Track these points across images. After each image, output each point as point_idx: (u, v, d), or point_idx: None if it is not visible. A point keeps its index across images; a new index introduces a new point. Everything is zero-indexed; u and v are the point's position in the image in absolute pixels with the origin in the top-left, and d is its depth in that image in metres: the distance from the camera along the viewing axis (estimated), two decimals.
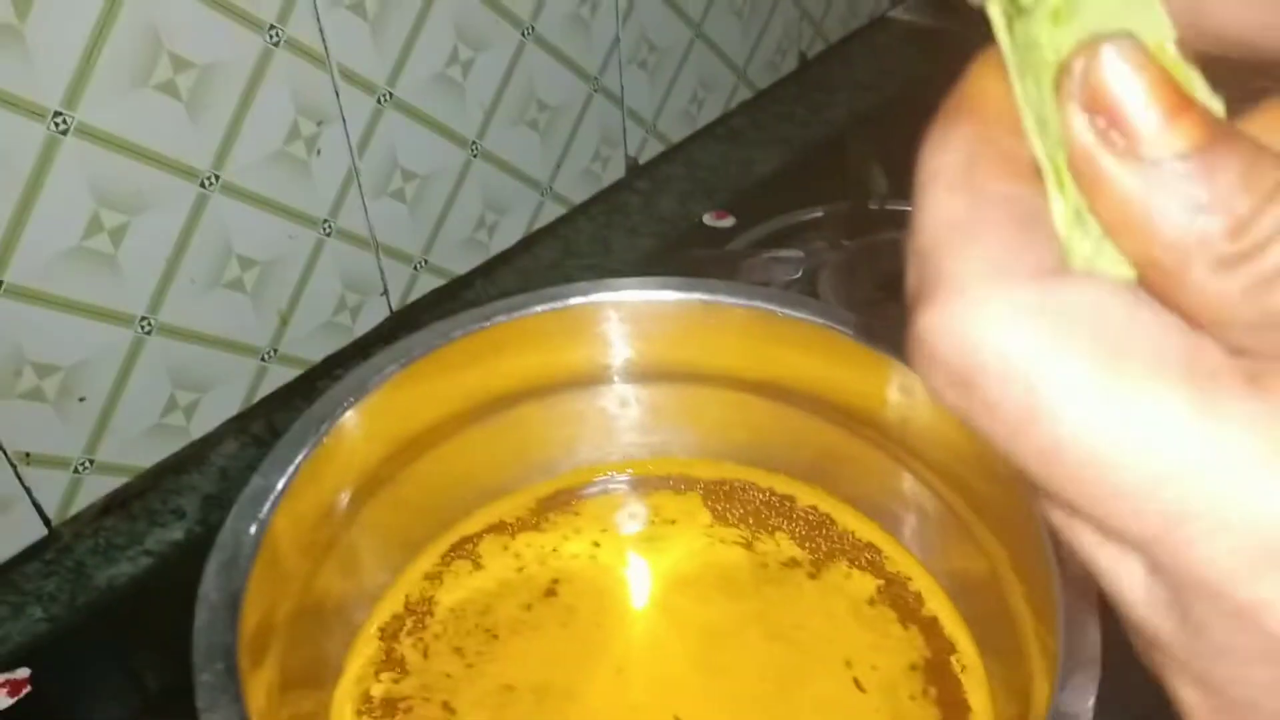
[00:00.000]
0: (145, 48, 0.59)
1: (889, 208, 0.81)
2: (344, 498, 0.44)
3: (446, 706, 0.45)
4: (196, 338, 0.69)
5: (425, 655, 0.47)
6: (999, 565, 0.44)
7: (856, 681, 0.46)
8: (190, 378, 0.70)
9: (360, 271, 0.76)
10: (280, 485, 0.39)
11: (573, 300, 0.46)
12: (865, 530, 0.52)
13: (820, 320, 0.46)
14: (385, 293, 0.79)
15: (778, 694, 0.46)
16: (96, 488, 0.68)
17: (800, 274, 0.75)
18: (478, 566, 0.51)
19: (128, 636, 0.61)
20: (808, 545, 0.51)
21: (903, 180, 0.70)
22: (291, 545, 0.40)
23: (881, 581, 0.50)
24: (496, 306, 0.46)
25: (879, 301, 0.73)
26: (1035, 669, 0.41)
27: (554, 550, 0.51)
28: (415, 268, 0.80)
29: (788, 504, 0.53)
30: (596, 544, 0.52)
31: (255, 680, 0.36)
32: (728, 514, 0.53)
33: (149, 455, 0.70)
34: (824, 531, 0.52)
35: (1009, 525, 0.43)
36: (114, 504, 0.69)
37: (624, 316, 0.47)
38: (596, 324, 0.48)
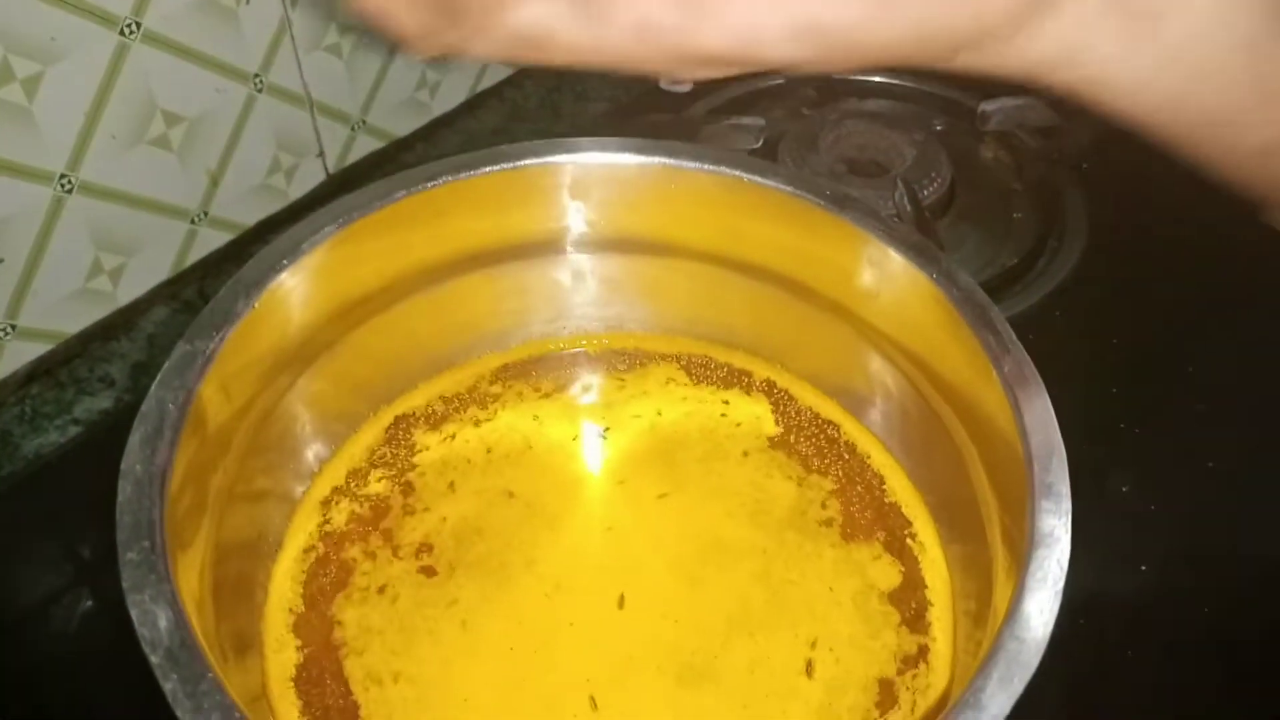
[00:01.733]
0: None
1: (853, 78, 0.78)
2: (278, 367, 0.41)
3: (384, 590, 0.44)
4: (120, 198, 0.65)
5: (365, 531, 0.46)
6: (964, 450, 0.43)
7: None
8: (115, 240, 0.66)
9: (295, 131, 0.72)
10: (208, 351, 0.36)
11: (525, 161, 0.43)
12: (827, 409, 0.50)
13: (790, 189, 0.43)
14: (321, 154, 0.75)
15: (720, 560, 0.45)
16: (19, 354, 0.65)
17: (761, 143, 0.72)
18: (422, 441, 0.49)
19: (57, 506, 0.59)
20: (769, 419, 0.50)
21: None
22: (221, 416, 0.38)
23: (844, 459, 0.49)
24: (442, 165, 0.42)
25: (841, 175, 0.71)
26: (997, 553, 0.40)
27: (503, 425, 0.49)
28: (353, 128, 0.76)
29: (746, 378, 0.52)
30: (538, 418, 0.50)
31: (186, 559, 0.34)
32: (684, 390, 0.51)
33: (74, 321, 0.67)
34: (782, 408, 0.51)
35: (976, 412, 0.41)
36: (39, 372, 0.66)
37: (580, 181, 0.44)
38: (550, 188, 0.45)
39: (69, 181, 0.63)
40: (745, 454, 0.49)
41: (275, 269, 0.39)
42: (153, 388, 0.35)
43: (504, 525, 0.46)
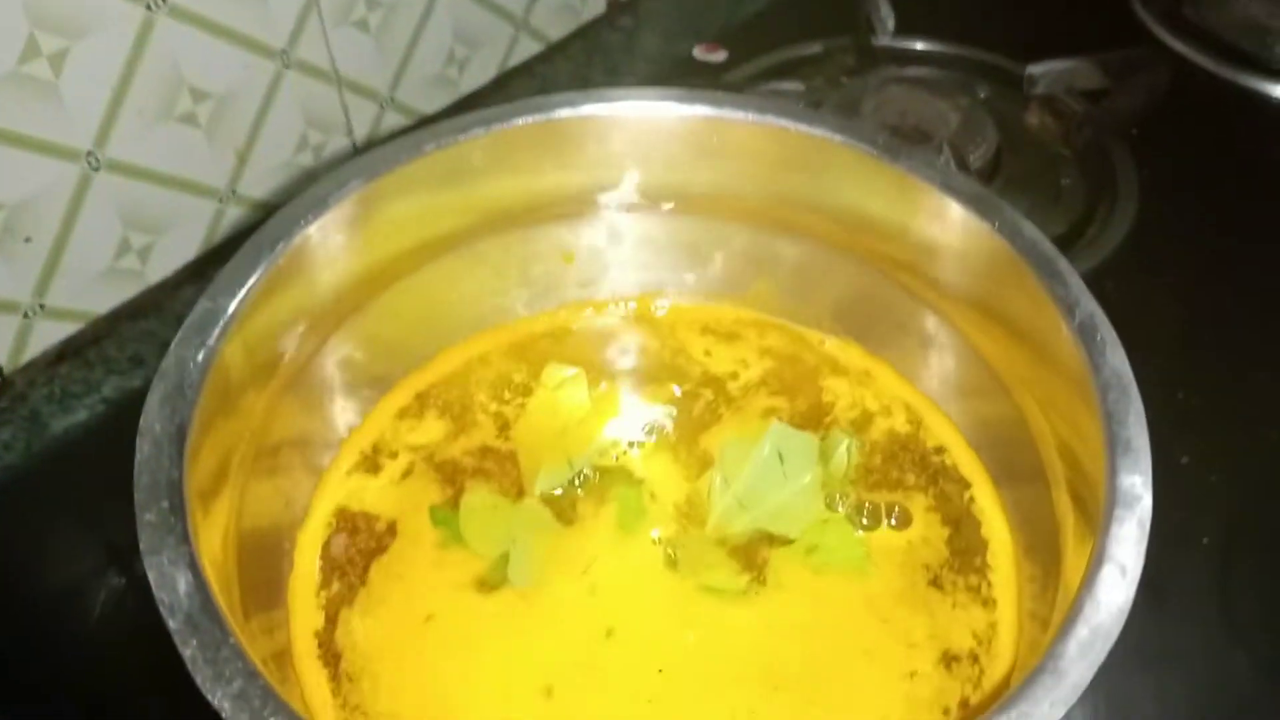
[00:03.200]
0: None
1: (894, 44, 0.76)
2: (304, 328, 0.39)
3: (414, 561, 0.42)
4: (148, 176, 0.64)
5: (397, 497, 0.44)
6: (1026, 410, 0.40)
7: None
8: (143, 219, 0.65)
9: (322, 107, 0.71)
10: (230, 309, 0.35)
11: (559, 113, 0.41)
12: (879, 370, 0.48)
13: (841, 138, 0.41)
14: (349, 131, 0.74)
15: None
16: (49, 334, 0.64)
17: None
18: (453, 407, 0.47)
19: (87, 486, 0.58)
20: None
21: (910, 14, 0.65)
22: (245, 377, 0.36)
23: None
24: (473, 118, 0.40)
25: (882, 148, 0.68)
26: (1066, 518, 0.37)
27: (537, 389, 0.47)
28: (381, 105, 0.74)
29: (797, 346, 0.49)
30: (576, 384, 0.48)
31: (208, 523, 0.32)
32: (723, 353, 0.49)
33: (103, 301, 0.66)
34: (830, 368, 0.48)
35: (1042, 368, 0.39)
36: (69, 351, 0.66)
37: (618, 134, 0.42)
38: (586, 142, 0.43)
39: (96, 159, 0.62)
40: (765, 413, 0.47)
41: (299, 224, 0.37)
42: (173, 345, 0.34)
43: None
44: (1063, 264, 0.38)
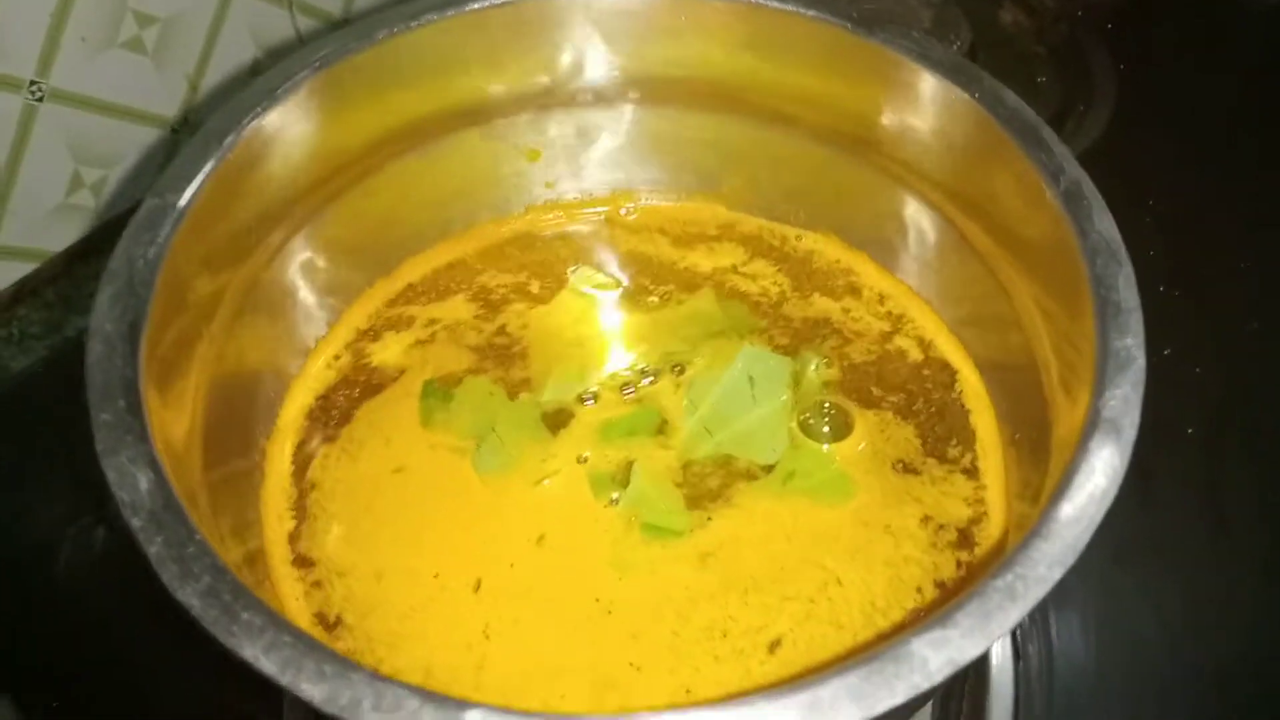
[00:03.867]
0: None
1: None
2: (261, 228, 0.37)
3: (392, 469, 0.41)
4: (96, 105, 0.62)
5: (363, 410, 0.42)
6: (1010, 287, 0.39)
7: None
8: (93, 152, 0.63)
9: (275, 31, 0.69)
10: (179, 205, 0.33)
11: None
12: (858, 264, 0.47)
13: (812, 13, 0.39)
14: None
15: None
16: (3, 274, 0.62)
17: None
18: (424, 316, 0.45)
19: (52, 427, 0.57)
20: (790, 279, 0.46)
21: None
22: (199, 276, 0.34)
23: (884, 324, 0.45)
24: (427, 2, 0.39)
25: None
26: (1055, 394, 0.36)
27: (512, 297, 0.46)
28: (335, 27, 0.72)
29: (771, 241, 0.48)
30: (547, 288, 0.46)
31: (168, 421, 0.31)
32: (699, 255, 0.47)
33: (57, 239, 0.64)
34: (807, 268, 0.47)
35: (1027, 241, 0.37)
36: (24, 292, 0.64)
37: (580, 15, 0.40)
38: (549, 26, 0.41)
39: (39, 88, 0.59)
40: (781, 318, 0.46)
41: (248, 116, 0.36)
42: (120, 243, 0.32)
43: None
44: (1046, 131, 0.37)
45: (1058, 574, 0.28)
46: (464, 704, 0.24)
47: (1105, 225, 0.35)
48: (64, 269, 0.64)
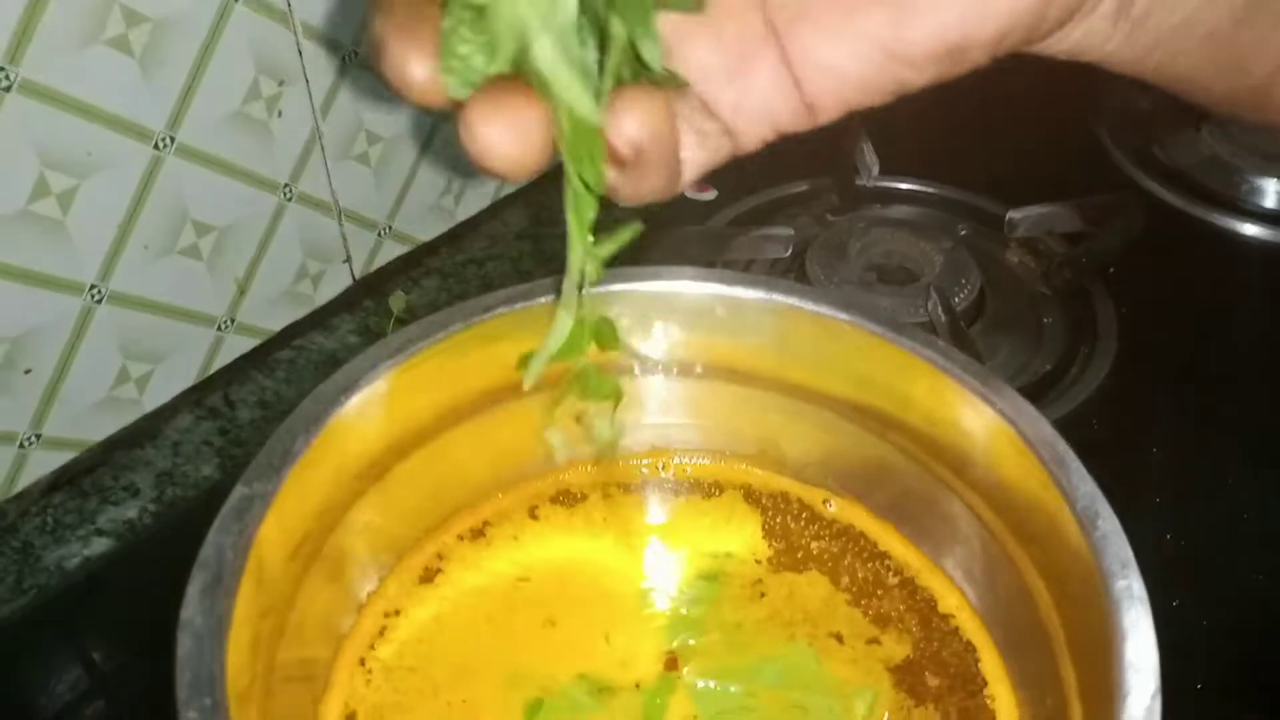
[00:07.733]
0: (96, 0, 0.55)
1: (878, 184, 0.79)
2: (331, 503, 0.40)
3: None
4: (149, 306, 0.65)
5: (411, 665, 0.44)
6: (1034, 589, 0.42)
7: None
8: (142, 348, 0.66)
9: (322, 238, 0.73)
10: (267, 494, 0.35)
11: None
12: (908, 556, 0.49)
13: (845, 316, 0.42)
14: (348, 260, 0.75)
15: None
16: (43, 463, 0.65)
17: (789, 252, 0.72)
18: (468, 561, 0.47)
19: (80, 619, 0.59)
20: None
21: (893, 156, 0.67)
22: (278, 558, 0.36)
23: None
24: (497, 297, 0.42)
25: (871, 283, 0.71)
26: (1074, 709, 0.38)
27: (555, 547, 0.48)
28: (379, 234, 0.76)
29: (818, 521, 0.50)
30: (586, 542, 0.49)
31: (244, 710, 0.33)
32: (743, 519, 0.50)
33: (99, 429, 0.67)
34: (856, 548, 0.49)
35: (1058, 561, 0.40)
36: (62, 481, 0.66)
37: (628, 311, 0.44)
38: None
39: (99, 292, 0.62)
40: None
41: (334, 404, 0.38)
42: (210, 533, 0.34)
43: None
44: (1062, 446, 0.40)
45: None
46: None
47: (1119, 544, 0.37)
48: (102, 458, 0.67)
